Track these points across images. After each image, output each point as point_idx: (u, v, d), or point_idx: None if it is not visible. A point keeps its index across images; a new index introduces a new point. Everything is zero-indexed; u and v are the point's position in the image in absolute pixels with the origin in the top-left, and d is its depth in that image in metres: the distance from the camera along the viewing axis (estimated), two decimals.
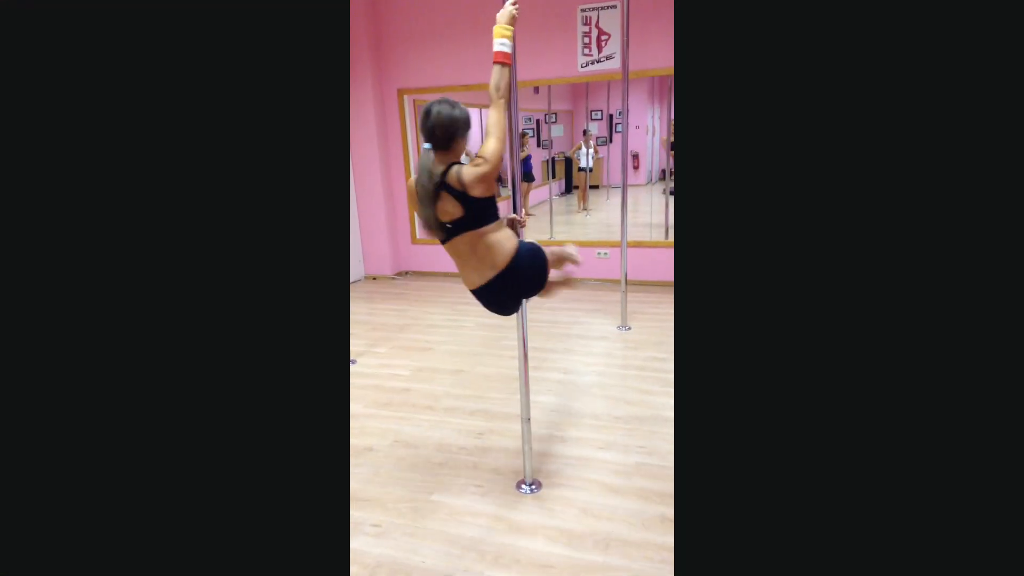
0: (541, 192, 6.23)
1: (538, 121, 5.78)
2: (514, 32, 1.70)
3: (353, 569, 1.77)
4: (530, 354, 2.11)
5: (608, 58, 4.50)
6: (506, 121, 1.70)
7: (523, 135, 5.77)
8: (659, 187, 5.79)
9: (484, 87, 4.87)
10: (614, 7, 4.40)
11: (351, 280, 5.47)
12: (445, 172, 1.65)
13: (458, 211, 1.68)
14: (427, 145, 1.66)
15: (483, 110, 6.03)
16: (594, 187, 6.46)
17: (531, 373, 2.20)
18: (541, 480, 2.18)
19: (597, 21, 4.48)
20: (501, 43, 1.67)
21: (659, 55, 4.36)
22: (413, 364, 3.40)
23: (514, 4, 1.71)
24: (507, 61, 1.68)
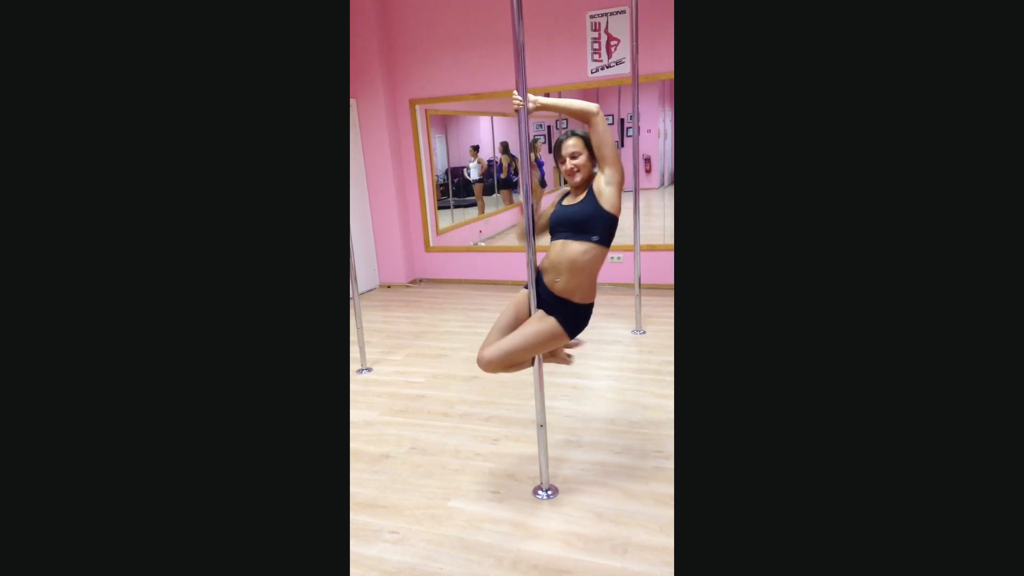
0: (554, 197, 6.25)
1: (549, 127, 5.80)
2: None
3: None
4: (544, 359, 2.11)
5: (618, 63, 4.51)
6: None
7: (534, 142, 5.79)
8: (671, 190, 5.77)
9: (495, 95, 4.91)
10: (623, 12, 4.41)
11: (366, 289, 5.51)
12: None
13: None
14: None
15: (494, 118, 6.06)
16: None
17: (545, 378, 2.20)
18: (557, 485, 2.18)
19: (606, 27, 4.49)
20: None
21: (668, 59, 4.36)
22: (428, 371, 3.42)
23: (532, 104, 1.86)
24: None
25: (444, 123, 5.87)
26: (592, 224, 1.90)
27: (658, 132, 5.83)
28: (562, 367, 3.27)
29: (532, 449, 2.42)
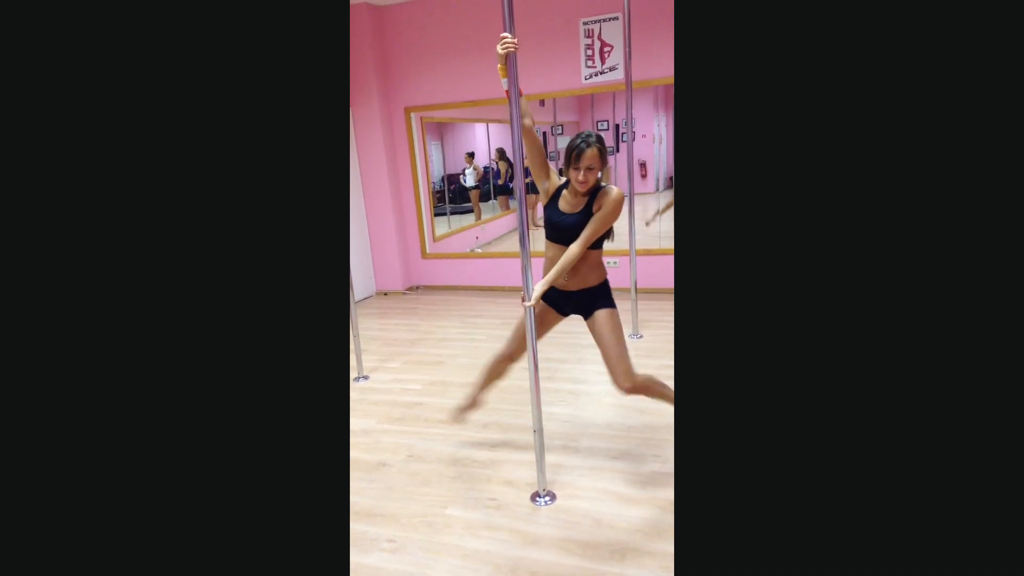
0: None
1: (545, 133, 5.81)
2: (507, 67, 1.83)
3: None
4: (541, 365, 2.11)
5: (611, 69, 4.53)
6: (525, 145, 1.94)
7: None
8: (667, 195, 5.78)
9: (490, 102, 4.92)
10: (615, 18, 4.43)
11: (363, 296, 5.50)
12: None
13: None
14: None
15: (489, 125, 6.07)
16: None
17: (543, 384, 2.20)
18: (555, 491, 2.18)
19: (599, 33, 4.51)
20: (503, 82, 1.87)
21: (662, 64, 4.38)
22: (425, 378, 3.41)
23: (502, 44, 1.81)
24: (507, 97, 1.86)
25: (439, 130, 5.88)
26: (579, 232, 2.02)
27: (653, 137, 5.85)
28: (559, 372, 3.27)
29: (529, 455, 2.41)
